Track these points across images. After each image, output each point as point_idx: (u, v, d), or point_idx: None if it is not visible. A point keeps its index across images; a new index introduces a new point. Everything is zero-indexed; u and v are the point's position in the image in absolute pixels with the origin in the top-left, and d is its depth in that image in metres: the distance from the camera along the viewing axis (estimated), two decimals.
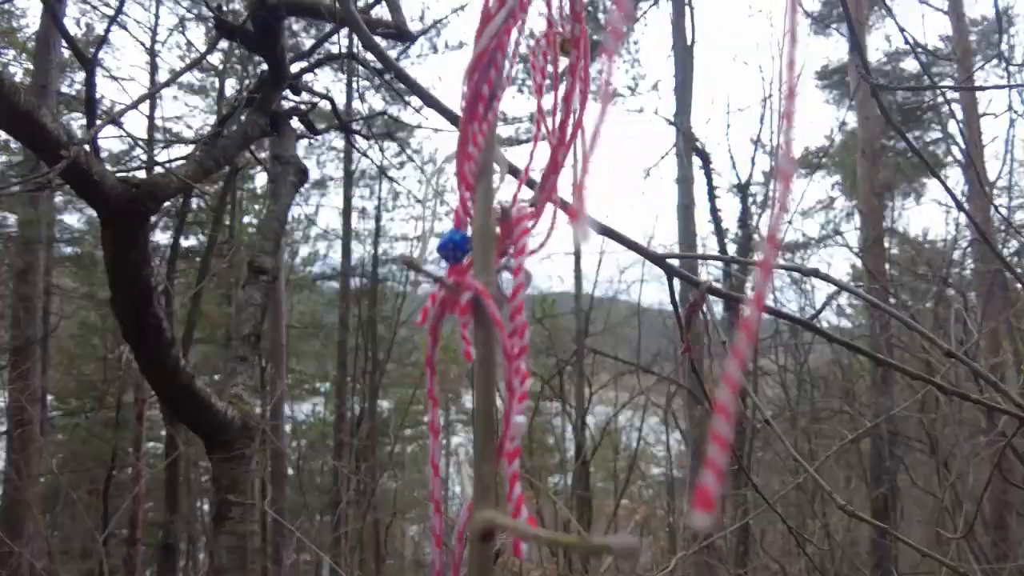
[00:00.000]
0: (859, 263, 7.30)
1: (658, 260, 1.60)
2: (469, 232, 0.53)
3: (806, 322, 1.68)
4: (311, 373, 11.11)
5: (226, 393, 4.23)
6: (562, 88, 0.59)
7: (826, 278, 1.60)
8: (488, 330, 0.49)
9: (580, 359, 6.75)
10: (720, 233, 7.06)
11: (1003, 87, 4.36)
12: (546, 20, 0.58)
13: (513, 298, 0.50)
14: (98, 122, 3.65)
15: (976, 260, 6.44)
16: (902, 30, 2.10)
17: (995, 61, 7.49)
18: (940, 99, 6.46)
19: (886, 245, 7.17)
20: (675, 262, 1.49)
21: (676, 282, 1.61)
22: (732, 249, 7.02)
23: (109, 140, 9.07)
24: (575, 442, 7.20)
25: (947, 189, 2.31)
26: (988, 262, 5.72)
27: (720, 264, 7.53)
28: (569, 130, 0.57)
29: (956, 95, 7.67)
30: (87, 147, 3.18)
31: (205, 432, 3.96)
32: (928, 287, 6.59)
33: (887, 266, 7.09)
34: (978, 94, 7.49)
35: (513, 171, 0.62)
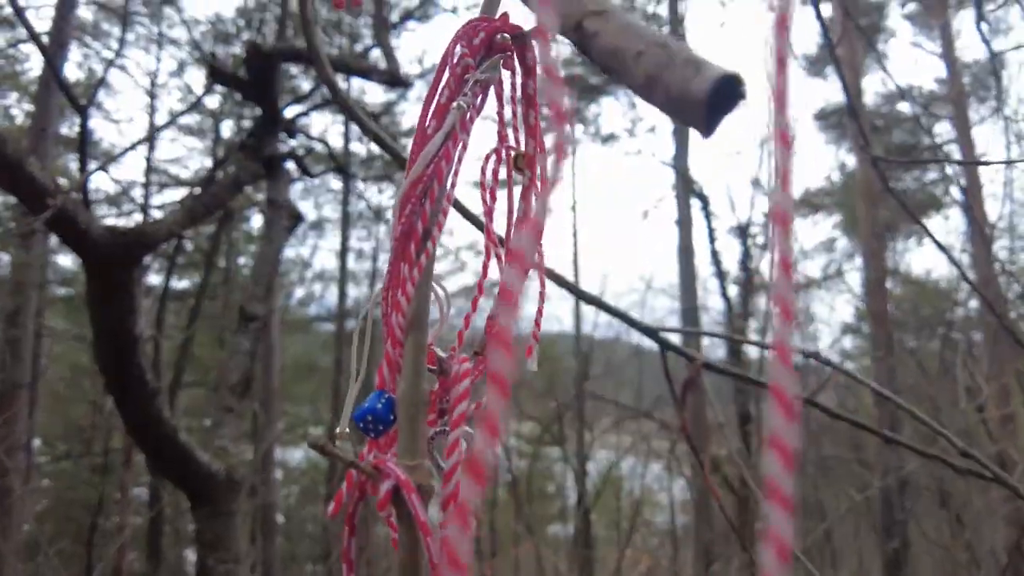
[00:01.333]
0: (861, 305, 7.22)
1: (650, 333, 1.49)
2: (393, 396, 0.42)
3: (808, 399, 1.59)
4: (305, 417, 10.91)
5: (211, 445, 4.09)
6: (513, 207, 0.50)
7: (826, 362, 1.51)
8: (411, 532, 0.39)
9: (581, 403, 6.61)
10: (721, 276, 6.99)
11: (1002, 163, 4.33)
12: (497, 133, 0.49)
13: (447, 480, 0.39)
14: (89, 167, 3.57)
15: (980, 304, 6.36)
16: (899, 89, 2.04)
17: (990, 104, 7.53)
18: (937, 142, 6.46)
19: (888, 285, 7.10)
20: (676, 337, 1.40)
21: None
22: (734, 291, 6.95)
23: (105, 181, 9.04)
24: (576, 490, 7.02)
25: (943, 249, 2.23)
26: (991, 300, 5.63)
27: (720, 295, 7.44)
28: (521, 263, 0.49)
29: (953, 133, 7.70)
30: (75, 194, 3.10)
31: (189, 487, 3.80)
32: (932, 327, 6.50)
33: (890, 306, 7.01)
34: (975, 136, 7.52)
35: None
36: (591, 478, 7.08)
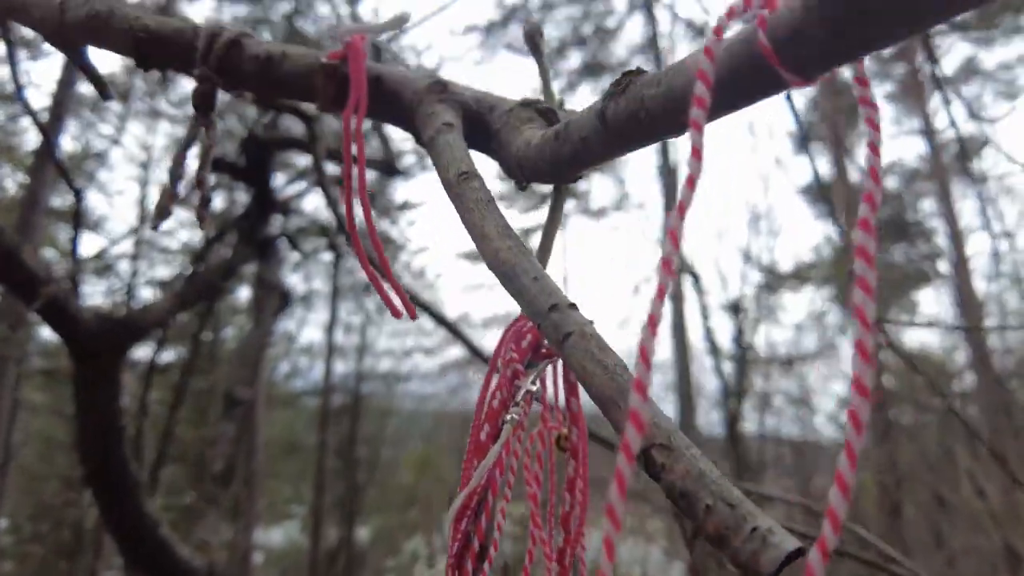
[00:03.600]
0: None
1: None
2: None
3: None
4: (287, 496, 10.55)
5: (193, 538, 3.91)
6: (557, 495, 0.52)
7: (844, 554, 1.49)
8: None
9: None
10: (715, 352, 6.97)
11: (989, 328, 4.42)
12: (540, 416, 0.51)
13: None
14: (82, 247, 3.51)
15: (977, 377, 6.36)
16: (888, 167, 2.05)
17: (970, 182, 7.73)
18: (921, 217, 6.59)
19: (883, 359, 7.08)
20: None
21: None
22: (728, 367, 6.93)
23: (91, 251, 8.98)
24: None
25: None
26: (990, 382, 5.64)
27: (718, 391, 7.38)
28: (568, 555, 0.49)
29: (936, 210, 7.85)
30: (65, 282, 3.03)
31: None
32: (929, 401, 6.46)
33: (886, 378, 6.98)
34: (958, 209, 7.68)
35: None
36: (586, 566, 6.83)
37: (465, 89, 0.59)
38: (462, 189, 0.49)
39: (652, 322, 0.28)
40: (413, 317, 0.60)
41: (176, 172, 0.67)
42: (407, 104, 0.60)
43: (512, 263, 0.43)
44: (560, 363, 0.49)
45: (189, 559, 3.49)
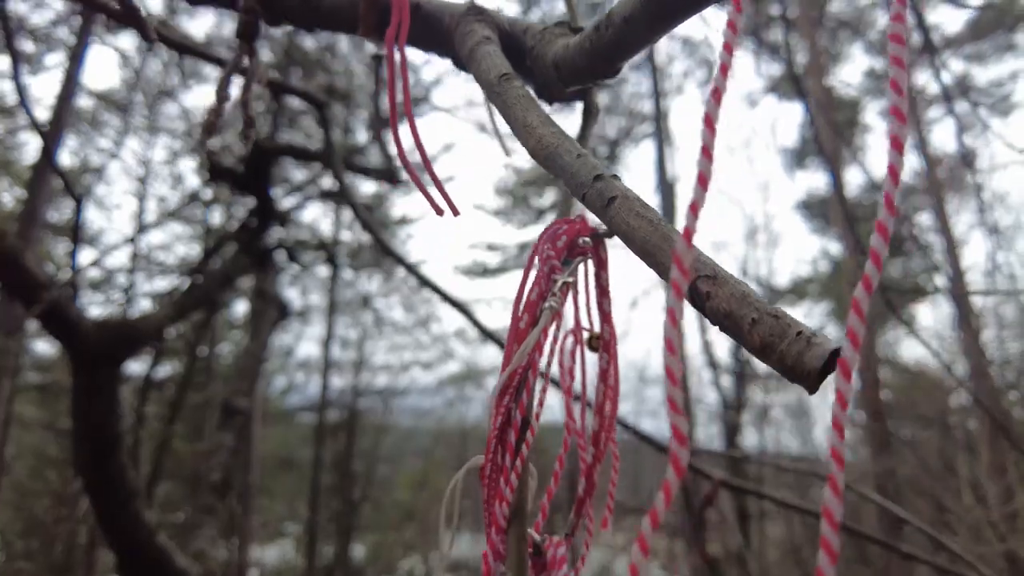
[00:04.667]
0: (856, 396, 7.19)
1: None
2: None
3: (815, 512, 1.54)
4: (281, 514, 10.43)
5: (190, 547, 3.86)
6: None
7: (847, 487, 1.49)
8: None
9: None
10: (714, 366, 6.96)
11: (986, 293, 4.48)
12: (573, 318, 0.54)
13: None
14: (80, 256, 3.49)
15: (973, 393, 6.36)
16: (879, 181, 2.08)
17: (968, 193, 7.79)
18: (917, 232, 6.64)
19: (882, 375, 7.10)
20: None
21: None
22: (727, 380, 6.91)
23: (90, 266, 8.96)
24: None
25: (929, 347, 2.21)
26: (986, 394, 5.63)
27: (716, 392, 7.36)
28: (604, 440, 0.53)
29: (933, 225, 7.91)
30: (67, 288, 3.02)
31: None
32: (928, 416, 6.46)
33: (886, 393, 6.98)
34: (953, 223, 7.73)
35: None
36: None
37: (499, 12, 0.61)
38: (503, 88, 0.52)
39: (701, 179, 0.29)
40: (456, 214, 0.62)
41: (222, 94, 0.71)
42: (445, 27, 0.64)
43: (555, 144, 0.46)
44: (592, 266, 0.52)
45: (187, 568, 3.45)
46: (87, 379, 2.98)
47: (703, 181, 0.30)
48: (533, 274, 0.51)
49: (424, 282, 1.30)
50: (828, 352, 0.29)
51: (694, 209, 0.28)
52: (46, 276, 2.68)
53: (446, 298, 1.31)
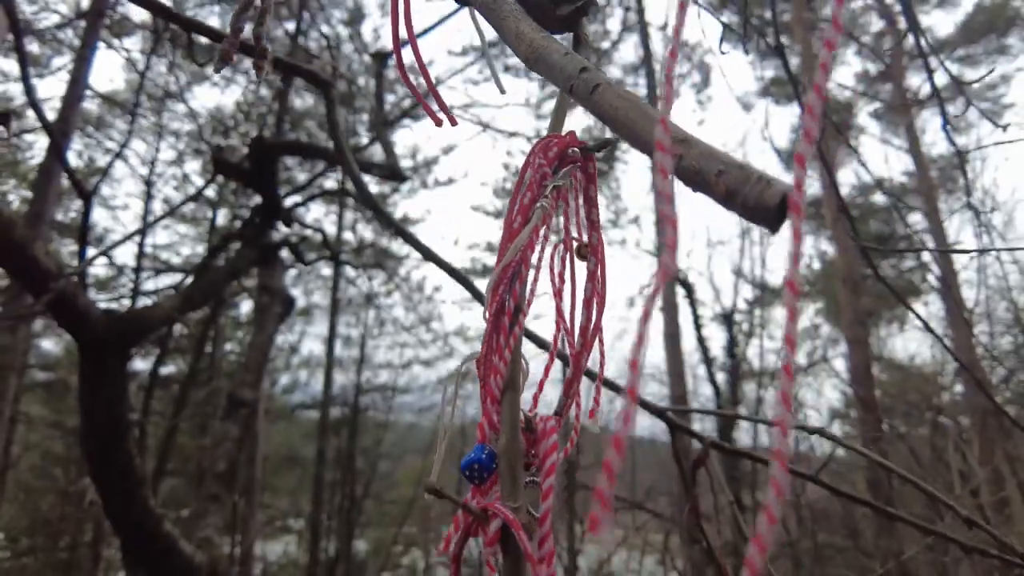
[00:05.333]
0: (848, 390, 7.27)
1: (659, 413, 1.54)
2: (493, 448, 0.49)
3: (811, 477, 1.61)
4: (284, 510, 10.51)
5: (195, 536, 3.94)
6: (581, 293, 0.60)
7: (831, 437, 1.56)
8: (517, 564, 0.45)
9: (571, 494, 6.48)
10: (708, 362, 7.04)
11: (974, 251, 4.57)
12: (563, 227, 0.60)
13: (543, 523, 0.45)
14: (88, 254, 3.61)
15: (965, 387, 6.44)
16: (876, 181, 2.17)
17: (958, 195, 7.87)
18: (911, 231, 6.72)
19: (874, 372, 7.17)
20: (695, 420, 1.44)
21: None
22: (721, 377, 6.99)
23: (98, 267, 9.06)
24: None
25: (932, 332, 2.30)
26: (977, 391, 5.70)
27: (708, 383, 7.44)
28: (591, 333, 0.58)
29: (926, 224, 7.99)
30: (75, 278, 3.12)
31: None
32: (920, 412, 6.53)
33: (878, 392, 7.05)
34: (946, 226, 7.81)
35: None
36: (582, 574, 6.85)
37: None
38: (497, 5, 0.58)
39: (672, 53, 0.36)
40: (453, 123, 0.68)
41: (237, 24, 0.75)
42: None
43: (545, 46, 0.52)
44: (580, 177, 0.57)
45: (192, 555, 3.53)
46: (96, 368, 3.05)
47: (673, 54, 0.37)
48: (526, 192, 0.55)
49: (426, 254, 1.37)
50: (785, 191, 0.32)
51: (668, 80, 0.36)
52: (55, 265, 2.77)
53: (445, 267, 1.38)
